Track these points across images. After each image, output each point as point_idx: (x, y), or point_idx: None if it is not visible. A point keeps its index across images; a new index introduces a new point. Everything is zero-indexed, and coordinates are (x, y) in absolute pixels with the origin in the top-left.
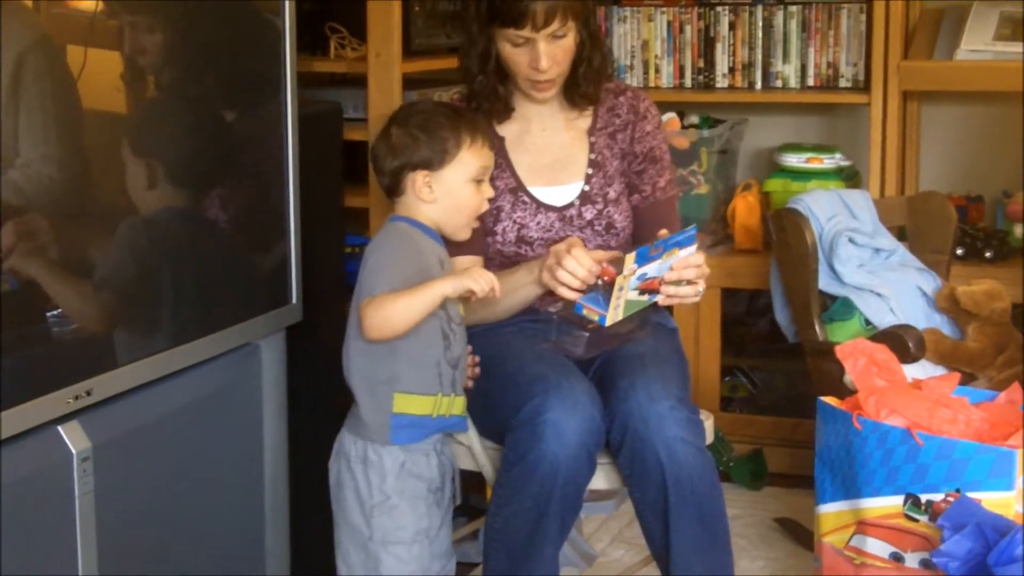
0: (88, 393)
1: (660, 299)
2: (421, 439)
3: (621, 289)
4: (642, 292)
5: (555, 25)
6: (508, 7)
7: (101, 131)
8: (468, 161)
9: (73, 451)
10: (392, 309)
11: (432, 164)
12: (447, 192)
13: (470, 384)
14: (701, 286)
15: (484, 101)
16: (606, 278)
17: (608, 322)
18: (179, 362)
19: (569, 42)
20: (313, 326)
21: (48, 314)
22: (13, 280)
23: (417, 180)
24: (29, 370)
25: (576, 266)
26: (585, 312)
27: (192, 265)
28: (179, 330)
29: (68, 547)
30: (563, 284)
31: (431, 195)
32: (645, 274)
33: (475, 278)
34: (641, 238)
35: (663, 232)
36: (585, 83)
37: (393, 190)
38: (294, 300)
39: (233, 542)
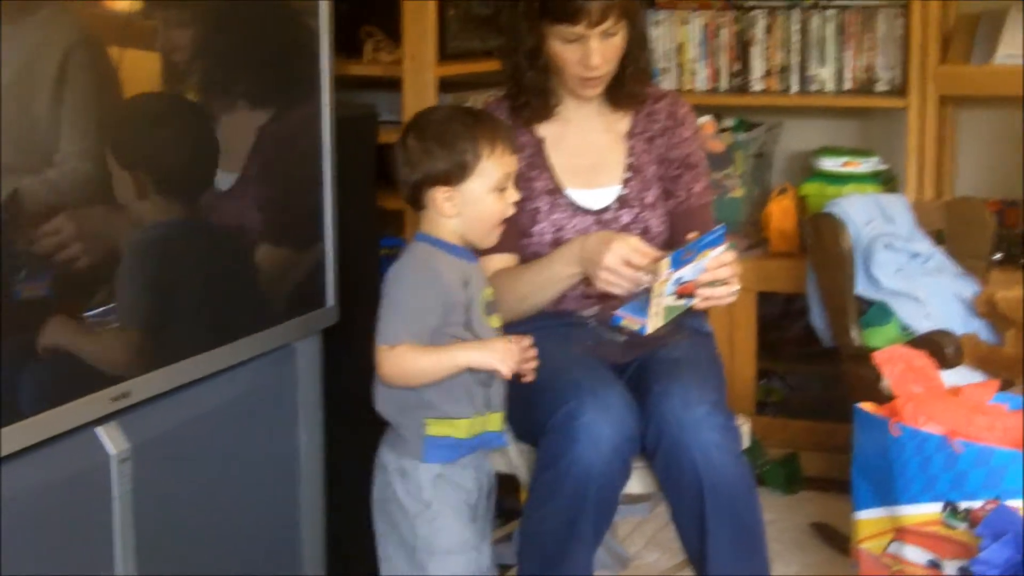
0: (126, 395)
1: (696, 303)
2: (457, 458)
3: (659, 296)
4: (679, 296)
5: (608, 23)
6: (563, 3)
7: (138, 130)
8: (489, 171)
9: (111, 452)
10: (411, 368)
11: (452, 179)
12: (469, 204)
13: (533, 368)
14: (735, 285)
15: (533, 97)
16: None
17: (649, 330)
18: (216, 364)
19: (619, 40)
20: (348, 328)
21: (86, 315)
22: (50, 280)
23: (437, 196)
24: (68, 372)
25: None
26: (624, 323)
27: (228, 267)
28: (216, 332)
29: (105, 548)
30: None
31: (452, 210)
32: (681, 278)
33: (503, 358)
34: (675, 244)
35: (692, 235)
36: (632, 83)
37: (414, 203)
38: (330, 303)
39: (269, 543)
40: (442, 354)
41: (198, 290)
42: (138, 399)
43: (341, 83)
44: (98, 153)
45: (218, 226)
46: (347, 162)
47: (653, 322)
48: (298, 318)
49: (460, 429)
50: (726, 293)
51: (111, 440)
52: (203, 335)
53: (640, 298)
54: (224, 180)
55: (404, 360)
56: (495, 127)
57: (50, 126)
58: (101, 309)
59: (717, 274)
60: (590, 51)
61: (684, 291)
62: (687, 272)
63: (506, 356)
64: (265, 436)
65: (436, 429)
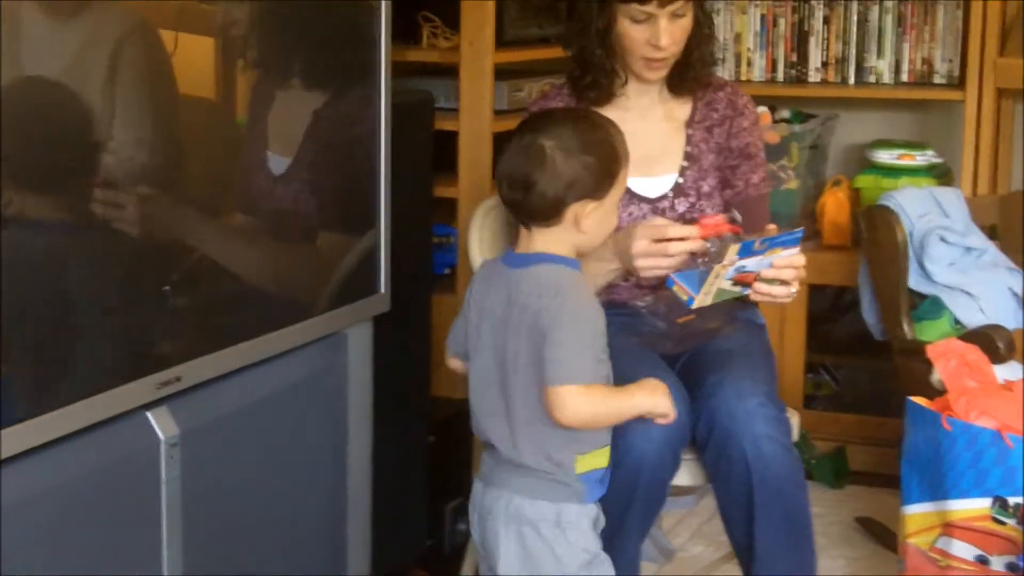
0: (177, 379)
1: (751, 294)
2: (605, 491)
3: (717, 276)
4: (735, 283)
5: (678, 3)
6: None
7: (194, 117)
8: (622, 180)
9: (161, 437)
10: (603, 412)
11: (600, 192)
12: (604, 216)
13: None
14: (795, 288)
15: (601, 76)
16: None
17: (696, 304)
18: (267, 350)
19: (687, 23)
20: (400, 316)
21: (138, 300)
22: (104, 265)
23: (583, 211)
24: (119, 356)
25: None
26: (675, 289)
27: (281, 253)
28: (268, 318)
29: (153, 532)
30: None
31: (593, 225)
32: (744, 267)
33: (663, 405)
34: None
35: (772, 227)
36: (697, 67)
37: (547, 219)
38: (382, 290)
39: (316, 530)
40: (624, 399)
41: (250, 276)
42: (189, 384)
43: (398, 69)
44: (152, 140)
45: (270, 212)
46: (402, 148)
47: (702, 299)
48: (350, 305)
49: (604, 457)
50: (783, 293)
51: (161, 425)
52: (255, 320)
53: (699, 270)
54: (279, 164)
55: (596, 402)
56: (617, 129)
57: (105, 113)
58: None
59: (781, 274)
60: (659, 31)
61: (742, 279)
62: (751, 263)
63: (665, 406)
64: (315, 423)
65: (586, 464)
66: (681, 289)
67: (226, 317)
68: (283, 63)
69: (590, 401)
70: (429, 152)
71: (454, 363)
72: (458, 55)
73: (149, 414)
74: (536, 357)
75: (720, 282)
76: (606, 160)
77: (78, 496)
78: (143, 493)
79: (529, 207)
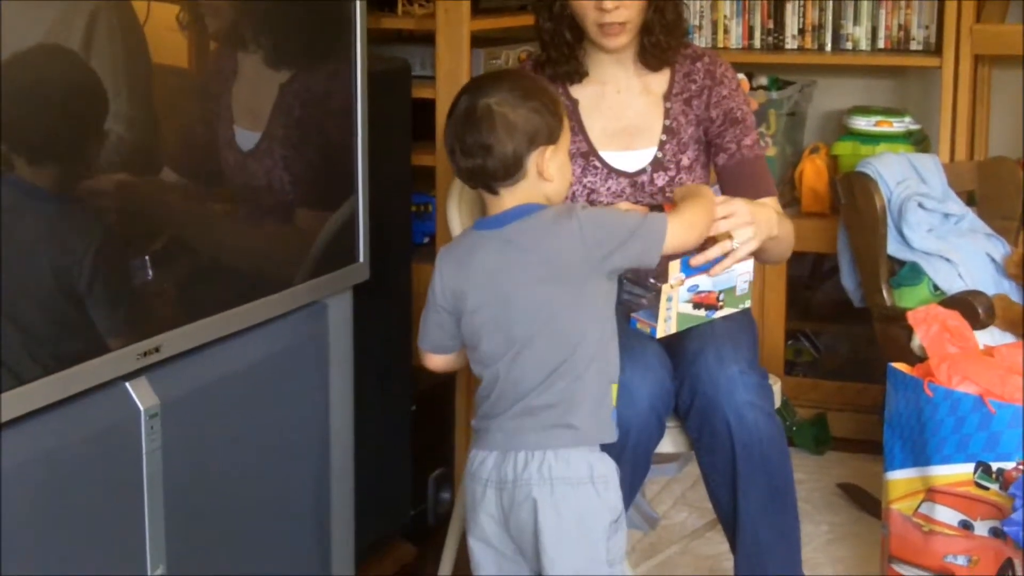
0: (157, 350)
1: (745, 276)
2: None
3: (669, 299)
4: (697, 306)
5: None
6: None
7: (168, 88)
8: (567, 125)
9: (141, 408)
10: (696, 215)
11: (554, 135)
12: (564, 162)
13: None
14: (747, 231)
15: (553, 50)
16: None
17: (659, 334)
18: (247, 320)
19: None
20: (380, 285)
21: (117, 270)
22: (83, 236)
23: (543, 159)
24: (98, 326)
25: None
26: (639, 326)
27: (260, 222)
28: (247, 288)
29: (135, 504)
30: None
31: (555, 171)
32: (696, 286)
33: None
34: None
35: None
36: (661, 35)
37: (511, 175)
38: (361, 259)
39: (298, 499)
40: (702, 197)
41: (229, 246)
42: (169, 354)
43: (374, 37)
44: (127, 113)
45: (249, 181)
46: (380, 117)
47: (663, 326)
48: (329, 274)
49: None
50: (743, 239)
51: (141, 395)
52: (234, 290)
53: (655, 304)
54: (255, 135)
55: (684, 216)
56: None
57: (81, 86)
58: (133, 262)
59: (718, 227)
60: None
61: (703, 301)
62: (704, 281)
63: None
64: (296, 393)
65: (614, 394)
66: (644, 324)
67: (205, 287)
68: (258, 32)
69: (681, 218)
70: (407, 120)
71: (436, 360)
72: (434, 22)
73: (128, 385)
74: (585, 271)
75: (676, 305)
76: (550, 101)
77: (58, 468)
78: (123, 464)
79: (491, 169)
